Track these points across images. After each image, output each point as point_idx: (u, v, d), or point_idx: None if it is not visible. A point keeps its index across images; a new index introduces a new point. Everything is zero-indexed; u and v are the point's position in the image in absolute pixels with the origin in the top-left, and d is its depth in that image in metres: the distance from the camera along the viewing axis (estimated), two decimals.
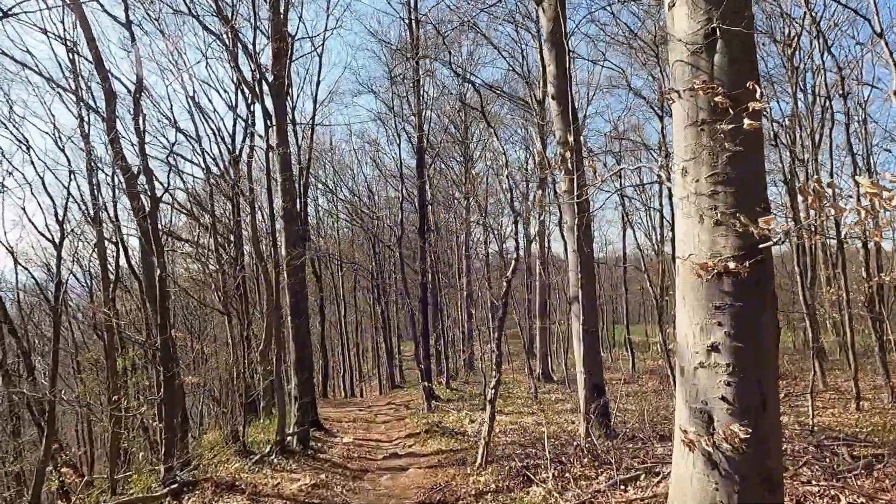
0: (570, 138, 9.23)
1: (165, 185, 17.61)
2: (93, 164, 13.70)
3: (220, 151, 17.03)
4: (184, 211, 19.33)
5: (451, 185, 29.52)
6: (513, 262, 8.22)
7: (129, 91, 12.03)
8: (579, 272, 9.27)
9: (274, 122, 10.90)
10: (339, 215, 29.08)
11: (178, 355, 11.99)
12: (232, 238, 17.90)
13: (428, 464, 10.09)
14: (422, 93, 17.96)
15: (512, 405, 15.97)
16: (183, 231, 23.71)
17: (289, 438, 11.26)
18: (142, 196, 9.22)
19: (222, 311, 15.07)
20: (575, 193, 9.09)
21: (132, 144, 14.28)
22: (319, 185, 26.04)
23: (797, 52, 15.52)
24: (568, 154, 9.25)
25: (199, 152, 16.99)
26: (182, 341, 21.74)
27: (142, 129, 9.74)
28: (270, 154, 10.79)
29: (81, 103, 12.88)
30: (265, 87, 11.15)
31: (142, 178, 9.64)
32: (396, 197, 26.53)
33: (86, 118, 13.34)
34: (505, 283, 8.12)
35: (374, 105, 49.66)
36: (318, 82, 14.53)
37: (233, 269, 16.99)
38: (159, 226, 9.99)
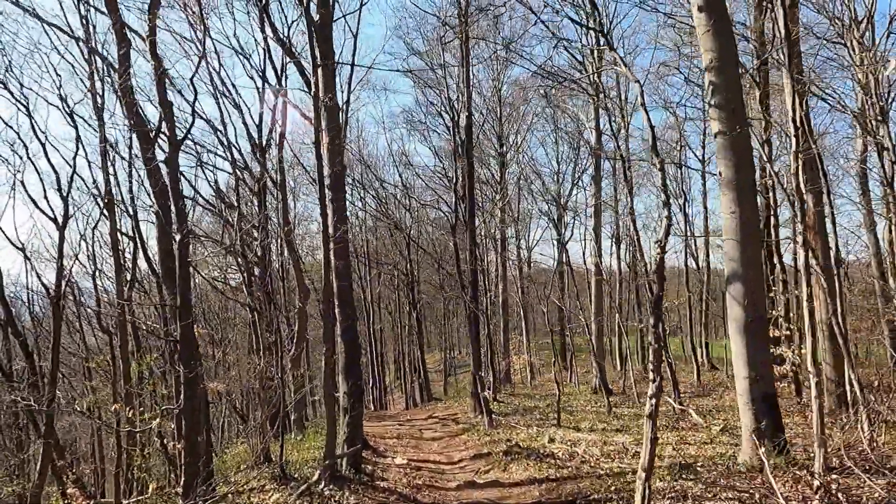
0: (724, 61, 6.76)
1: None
2: (104, 130, 11.41)
3: (247, 130, 14.73)
4: (208, 207, 17.05)
5: (484, 184, 27.09)
6: (664, 222, 5.69)
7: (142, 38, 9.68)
8: (740, 239, 6.74)
9: (320, 63, 8.51)
10: (367, 211, 26.66)
11: (200, 354, 9.57)
12: (257, 232, 15.59)
13: (531, 500, 7.50)
14: (469, 67, 15.56)
15: (585, 420, 13.32)
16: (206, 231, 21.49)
17: (339, 461, 8.74)
18: (159, 142, 6.86)
19: (250, 305, 12.66)
20: (735, 130, 6.59)
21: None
22: (348, 180, 23.69)
23: None
24: (720, 80, 6.78)
25: (223, 134, 14.70)
26: (204, 341, 19.39)
27: (160, 68, 7.41)
28: (317, 104, 8.38)
29: (94, 55, 10.69)
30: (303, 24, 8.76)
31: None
32: (430, 192, 24.18)
33: (98, 73, 11.13)
34: (658, 251, 5.58)
35: (413, 92, 46.53)
36: (356, 36, 12.22)
37: (262, 261, 14.65)
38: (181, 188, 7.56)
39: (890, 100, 11.97)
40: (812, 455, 6.73)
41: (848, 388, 10.74)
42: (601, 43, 13.49)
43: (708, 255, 26.74)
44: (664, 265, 5.74)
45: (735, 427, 10.69)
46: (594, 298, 18.29)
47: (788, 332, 12.51)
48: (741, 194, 6.67)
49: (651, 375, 5.45)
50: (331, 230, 9.11)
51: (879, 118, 11.65)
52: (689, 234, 23.85)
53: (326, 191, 8.84)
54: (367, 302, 28.32)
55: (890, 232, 12.90)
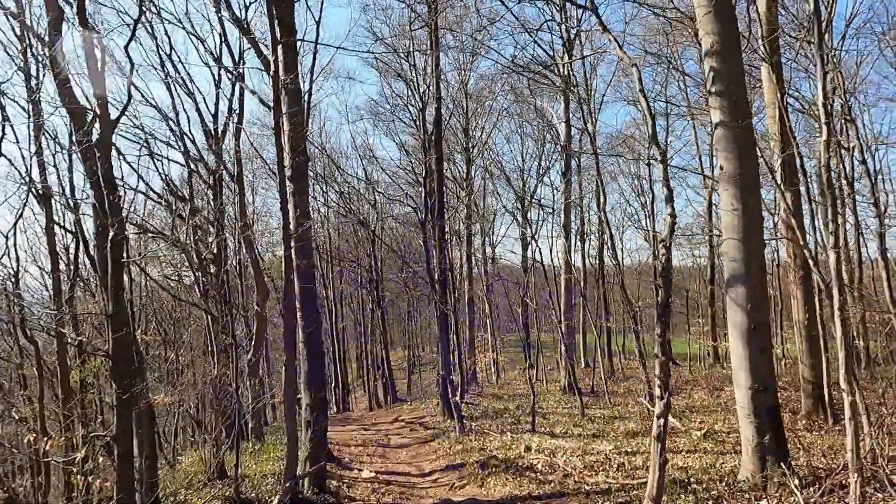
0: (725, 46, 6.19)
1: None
2: (40, 116, 10.14)
3: (202, 118, 13.59)
4: (158, 200, 15.72)
5: (450, 180, 26.34)
6: (668, 220, 5.06)
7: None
8: (741, 237, 6.19)
9: (280, 39, 7.57)
10: (330, 207, 25.52)
11: (145, 366, 8.51)
12: (212, 227, 14.43)
13: None
14: (438, 55, 14.72)
15: (559, 424, 12.77)
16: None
17: (301, 481, 7.86)
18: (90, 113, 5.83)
19: (204, 308, 11.61)
20: (737, 121, 6.03)
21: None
22: (310, 173, 22.54)
23: None
24: (721, 66, 6.20)
25: (175, 123, 13.49)
26: (154, 346, 17.96)
27: (90, 38, 6.34)
28: (276, 85, 7.44)
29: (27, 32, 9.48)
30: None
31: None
32: (395, 188, 23.31)
33: (32, 50, 9.90)
34: (664, 252, 4.95)
35: (378, 83, 44.62)
36: (319, 22, 11.44)
37: (217, 259, 13.55)
38: (116, 177, 6.54)
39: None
40: (815, 472, 6.27)
41: (826, 391, 10.53)
42: (592, 24, 12.87)
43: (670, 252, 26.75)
44: (671, 267, 5.11)
45: (717, 432, 10.29)
46: (563, 296, 17.80)
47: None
48: (744, 189, 6.11)
49: (658, 392, 4.83)
50: (292, 226, 8.21)
51: (847, 118, 11.47)
52: (654, 231, 23.64)
53: (287, 182, 7.92)
54: (329, 300, 27.21)
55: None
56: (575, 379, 14.62)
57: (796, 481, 5.47)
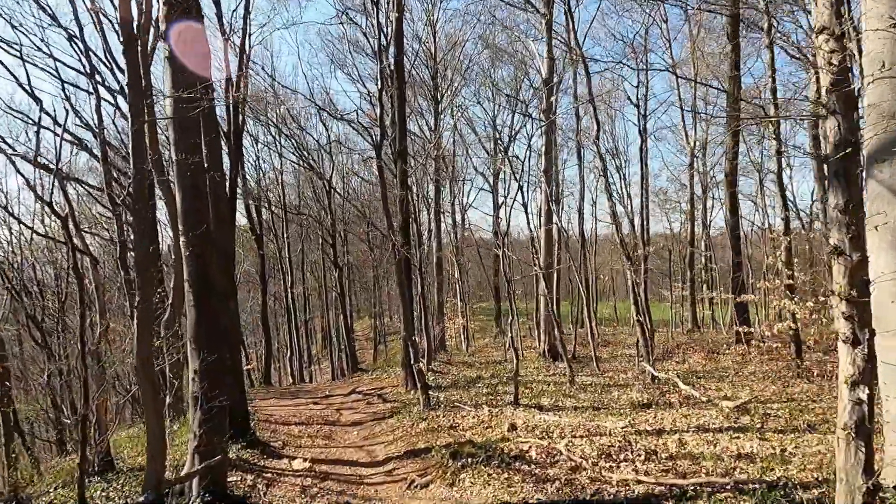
0: None
1: None
2: None
3: None
4: None
5: (415, 140, 23.36)
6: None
7: None
8: None
9: None
10: (281, 154, 22.17)
11: None
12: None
13: None
14: None
15: (545, 394, 10.22)
16: None
17: (188, 484, 5.06)
18: None
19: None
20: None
21: None
22: (260, 118, 19.22)
23: None
24: None
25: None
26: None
27: None
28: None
29: None
30: None
31: None
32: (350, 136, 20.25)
33: None
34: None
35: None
36: None
37: None
38: None
39: None
40: None
41: None
42: None
43: (647, 220, 24.94)
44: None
45: (756, 405, 7.85)
46: (544, 250, 15.18)
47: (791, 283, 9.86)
48: None
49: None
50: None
51: None
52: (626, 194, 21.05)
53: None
54: (283, 261, 24.11)
55: None
56: (562, 341, 12.06)
57: None
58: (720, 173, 24.42)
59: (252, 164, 22.84)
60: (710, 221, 26.16)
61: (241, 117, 13.70)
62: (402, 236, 11.95)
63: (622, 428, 6.93)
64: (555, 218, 15.13)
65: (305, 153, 19.69)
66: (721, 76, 19.51)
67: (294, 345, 24.02)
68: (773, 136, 9.83)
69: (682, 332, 22.58)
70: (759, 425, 6.55)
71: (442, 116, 24.15)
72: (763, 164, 19.52)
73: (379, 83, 9.82)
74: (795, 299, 9.63)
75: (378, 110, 9.57)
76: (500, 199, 24.85)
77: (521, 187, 11.34)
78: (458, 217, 29.40)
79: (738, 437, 6.09)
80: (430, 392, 10.41)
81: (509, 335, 10.05)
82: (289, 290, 23.90)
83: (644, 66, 16.42)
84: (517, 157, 23.64)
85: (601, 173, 11.76)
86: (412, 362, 10.04)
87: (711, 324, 23.53)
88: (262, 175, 22.86)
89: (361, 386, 16.17)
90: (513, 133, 25.31)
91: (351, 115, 15.12)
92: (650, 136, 25.56)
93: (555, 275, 18.54)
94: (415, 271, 16.95)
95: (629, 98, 19.71)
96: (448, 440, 7.32)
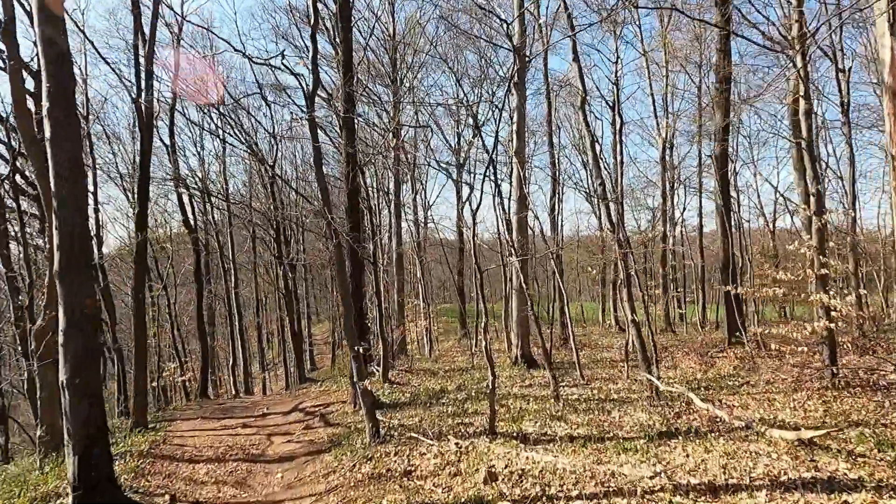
0: None
1: None
2: None
3: None
4: None
5: (372, 129, 20.84)
6: None
7: None
8: None
9: None
10: (224, 141, 19.25)
11: None
12: None
13: None
14: None
15: (529, 417, 7.90)
16: None
17: None
18: None
19: None
20: None
21: None
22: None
23: None
24: None
25: None
26: None
27: None
28: None
29: None
30: None
31: None
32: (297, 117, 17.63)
33: None
34: None
35: None
36: None
37: None
38: None
39: None
40: None
41: None
42: None
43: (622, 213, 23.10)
44: None
45: (816, 433, 5.69)
46: (516, 239, 12.91)
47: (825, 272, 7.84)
48: None
49: None
50: None
51: None
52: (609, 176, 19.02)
53: None
54: (227, 259, 21.16)
55: None
56: (544, 345, 9.73)
57: None
58: (693, 165, 22.89)
59: (194, 154, 19.98)
60: (681, 219, 24.62)
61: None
62: (348, 220, 9.46)
63: (650, 478, 4.65)
64: (529, 203, 12.85)
65: (246, 136, 16.91)
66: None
67: (237, 352, 21.06)
68: (802, 95, 7.81)
69: (656, 331, 20.82)
70: (860, 473, 4.38)
71: (402, 106, 21.75)
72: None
73: (313, 17, 7.32)
74: (832, 292, 7.62)
75: (311, 51, 7.08)
76: (466, 191, 22.66)
77: (492, 161, 8.97)
78: (421, 214, 27.04)
79: (818, 492, 3.88)
80: (382, 416, 7.95)
81: (484, 342, 7.70)
82: (231, 291, 20.96)
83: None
84: (485, 139, 21.46)
85: (589, 148, 9.56)
86: (356, 381, 7.54)
87: (682, 324, 21.80)
88: (205, 166, 19.94)
89: (306, 401, 13.56)
90: (480, 112, 23.03)
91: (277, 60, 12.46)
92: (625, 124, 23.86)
93: (529, 270, 16.37)
94: (369, 267, 14.46)
95: (607, 77, 17.63)
96: (399, 498, 4.90)
